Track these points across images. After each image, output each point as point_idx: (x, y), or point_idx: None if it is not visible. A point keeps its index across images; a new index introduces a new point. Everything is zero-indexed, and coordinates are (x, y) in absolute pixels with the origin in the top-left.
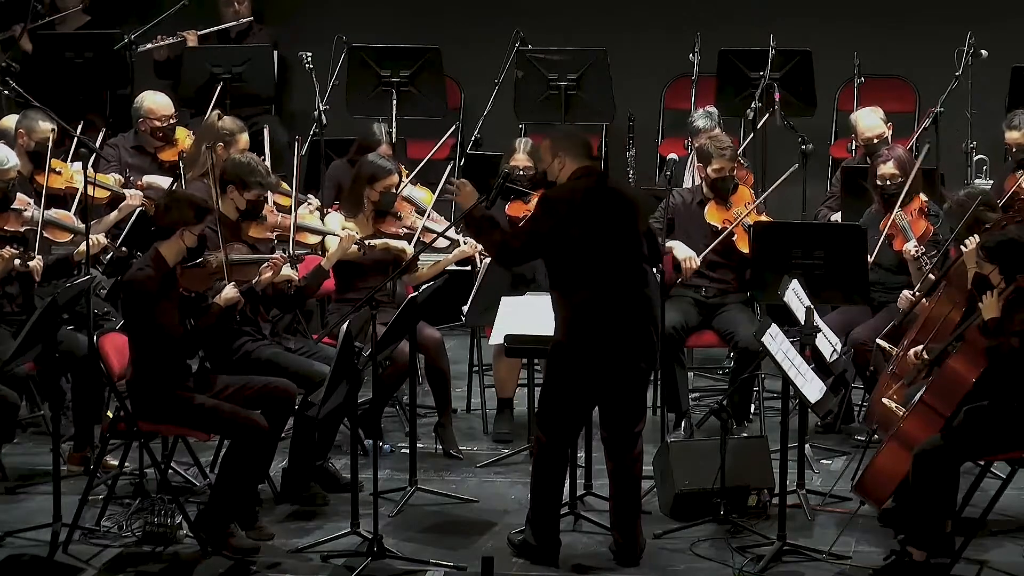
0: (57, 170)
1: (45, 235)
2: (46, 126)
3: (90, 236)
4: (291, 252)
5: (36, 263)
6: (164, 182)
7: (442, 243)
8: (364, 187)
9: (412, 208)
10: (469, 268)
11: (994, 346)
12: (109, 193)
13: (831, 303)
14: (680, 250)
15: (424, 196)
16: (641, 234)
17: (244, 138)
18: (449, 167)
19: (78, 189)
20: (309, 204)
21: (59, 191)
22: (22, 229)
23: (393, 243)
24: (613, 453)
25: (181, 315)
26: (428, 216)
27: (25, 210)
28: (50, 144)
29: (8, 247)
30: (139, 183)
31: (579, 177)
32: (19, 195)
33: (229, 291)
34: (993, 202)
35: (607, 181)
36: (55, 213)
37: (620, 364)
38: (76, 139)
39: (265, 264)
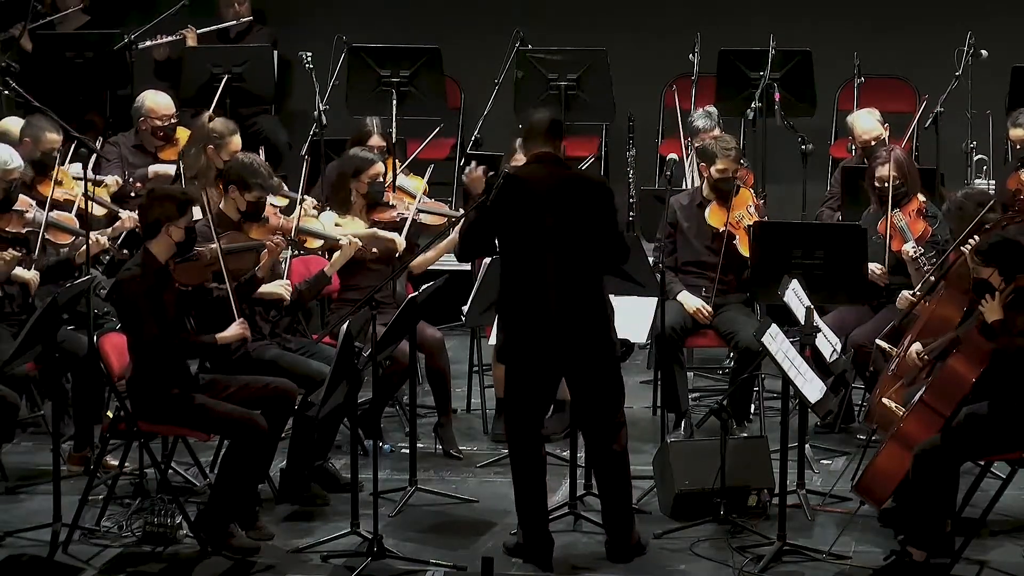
0: (60, 180)
1: (46, 236)
2: (53, 137)
3: (91, 236)
4: (292, 236)
5: (33, 276)
6: (171, 170)
7: (437, 221)
8: (350, 182)
9: (404, 197)
10: (469, 268)
11: (1000, 348)
12: (106, 211)
13: (831, 303)
14: (689, 300)
15: (416, 185)
16: (592, 224)
17: (236, 140)
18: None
19: (76, 200)
20: (304, 205)
21: (57, 200)
22: (24, 230)
23: (382, 233)
24: (588, 445)
25: (180, 310)
26: (420, 200)
27: (27, 212)
28: (57, 155)
29: (11, 249)
30: (136, 184)
31: (528, 163)
32: (21, 196)
33: (234, 328)
34: (993, 202)
35: (555, 168)
36: (57, 215)
37: (553, 358)
38: (76, 139)
39: (264, 250)
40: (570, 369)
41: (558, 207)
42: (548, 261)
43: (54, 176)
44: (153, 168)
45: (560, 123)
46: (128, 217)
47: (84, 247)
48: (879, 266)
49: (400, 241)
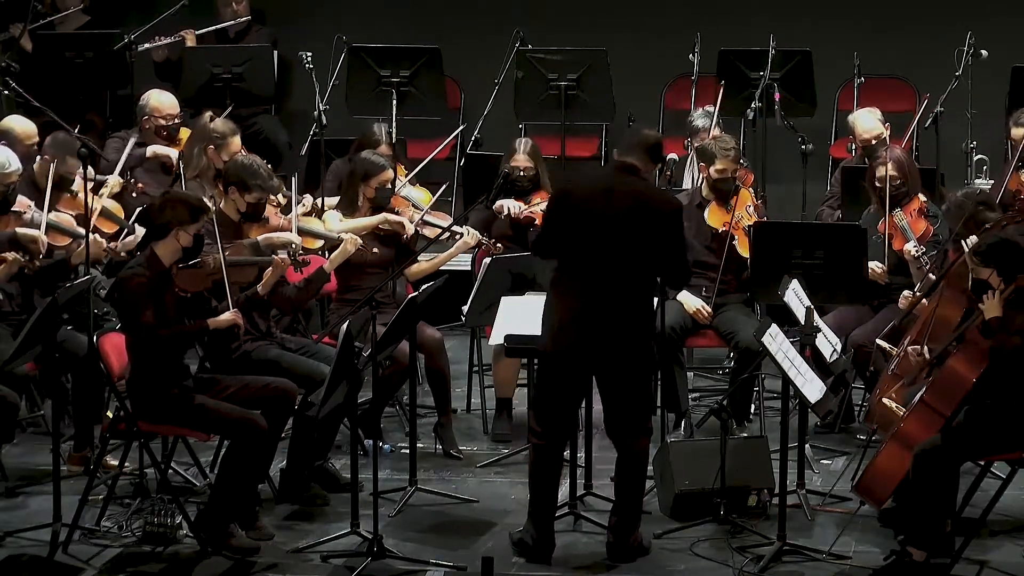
0: (76, 193)
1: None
2: (75, 163)
3: (89, 237)
4: (294, 255)
5: (39, 234)
6: (174, 153)
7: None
8: (359, 184)
9: (409, 204)
10: (469, 268)
11: (996, 345)
12: (117, 227)
13: (831, 303)
14: (689, 300)
15: (422, 196)
16: (656, 243)
17: (236, 140)
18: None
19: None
20: (304, 204)
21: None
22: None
23: (392, 217)
24: (615, 442)
25: (178, 315)
26: (426, 212)
27: (25, 213)
28: (76, 178)
29: (13, 251)
30: (139, 185)
31: (607, 169)
32: (19, 198)
33: (228, 316)
34: (992, 202)
35: (631, 179)
36: (56, 217)
37: (592, 368)
38: (76, 139)
39: (268, 268)
40: (606, 374)
41: (623, 218)
42: (600, 267)
43: (49, 178)
44: (152, 148)
45: (660, 147)
46: (135, 238)
47: (83, 249)
48: (879, 264)
49: (409, 227)
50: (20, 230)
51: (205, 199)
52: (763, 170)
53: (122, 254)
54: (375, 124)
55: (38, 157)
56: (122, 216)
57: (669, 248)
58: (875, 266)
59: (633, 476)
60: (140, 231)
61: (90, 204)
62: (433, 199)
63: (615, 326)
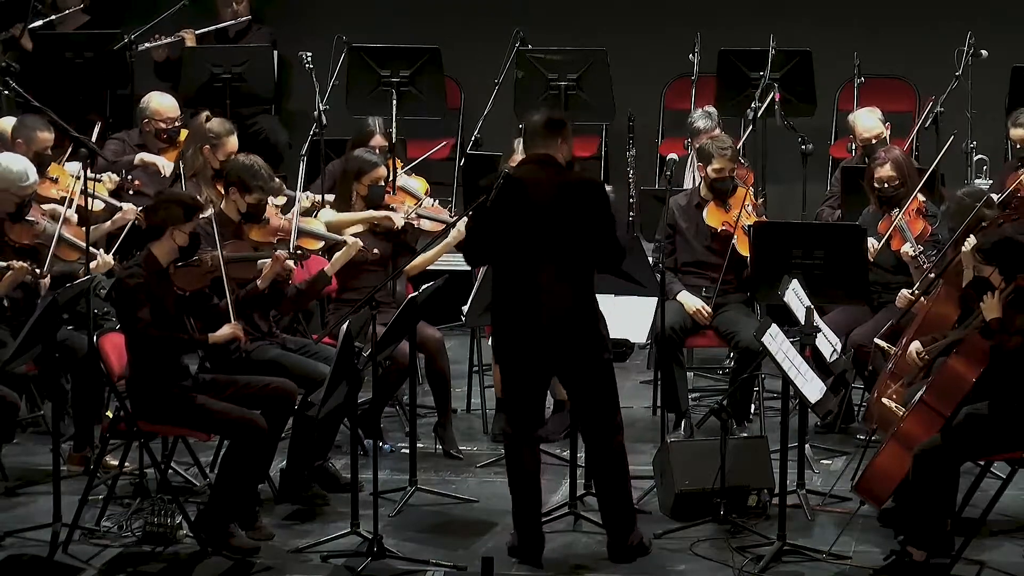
0: (54, 177)
1: (55, 253)
2: (45, 135)
3: (99, 254)
4: (292, 250)
5: (44, 281)
6: (160, 162)
7: (435, 228)
8: (352, 182)
9: (405, 198)
10: (469, 268)
11: (995, 345)
12: (104, 206)
13: (831, 303)
14: (689, 301)
15: (420, 186)
16: (586, 226)
17: (232, 140)
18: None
19: (74, 197)
20: (305, 200)
21: (57, 200)
22: (35, 242)
23: (377, 213)
24: (587, 445)
25: (178, 314)
26: (421, 204)
27: (37, 223)
28: (50, 152)
29: (20, 260)
30: (136, 183)
31: (522, 164)
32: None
33: (227, 329)
34: (991, 200)
35: (548, 169)
36: (67, 231)
37: (545, 359)
38: (75, 139)
39: (268, 262)
40: (562, 371)
41: (549, 210)
42: (539, 263)
43: (70, 176)
44: (140, 156)
45: (558, 120)
46: (129, 208)
47: (91, 263)
48: (875, 242)
49: (399, 220)
50: (17, 264)
51: (200, 199)
52: (763, 170)
53: (103, 262)
54: (369, 118)
55: (13, 147)
56: (106, 194)
57: (598, 229)
58: (872, 243)
59: (615, 475)
60: (127, 206)
61: (87, 200)
62: (429, 188)
63: (565, 322)
